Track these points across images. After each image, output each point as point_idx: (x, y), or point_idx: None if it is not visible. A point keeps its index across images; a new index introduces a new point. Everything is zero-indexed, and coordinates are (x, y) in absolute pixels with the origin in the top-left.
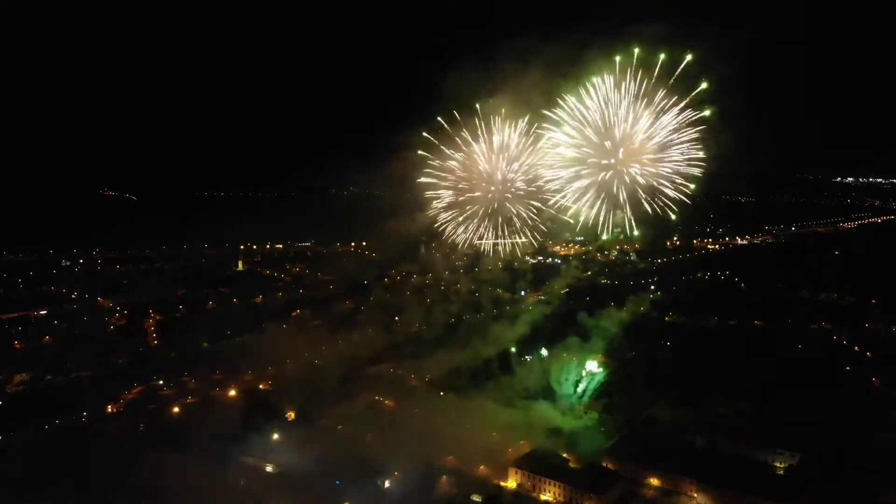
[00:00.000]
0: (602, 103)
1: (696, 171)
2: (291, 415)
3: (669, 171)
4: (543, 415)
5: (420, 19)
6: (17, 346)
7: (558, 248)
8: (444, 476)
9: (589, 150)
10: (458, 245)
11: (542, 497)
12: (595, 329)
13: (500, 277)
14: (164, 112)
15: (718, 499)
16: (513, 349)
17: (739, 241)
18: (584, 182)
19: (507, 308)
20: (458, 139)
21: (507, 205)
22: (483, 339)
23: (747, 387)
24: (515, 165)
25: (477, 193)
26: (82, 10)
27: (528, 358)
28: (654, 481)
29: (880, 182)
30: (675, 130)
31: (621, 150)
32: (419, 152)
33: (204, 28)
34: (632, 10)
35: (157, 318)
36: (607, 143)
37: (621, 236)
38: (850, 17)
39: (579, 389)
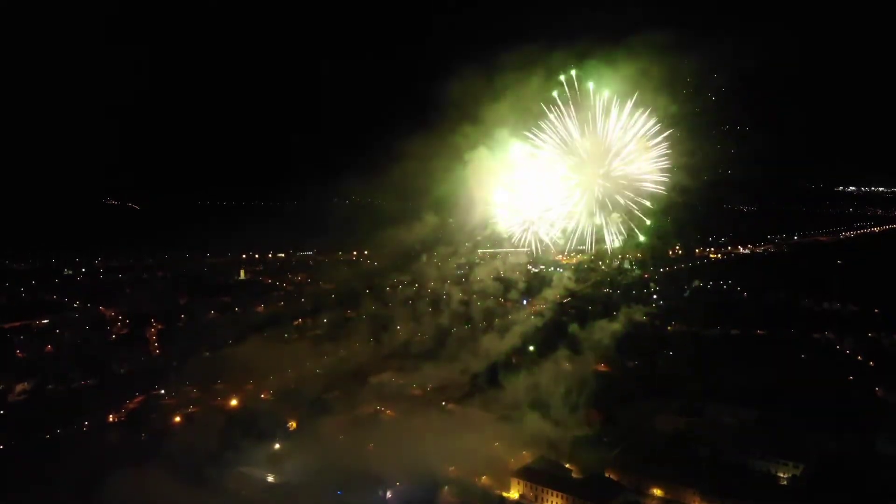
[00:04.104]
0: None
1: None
2: (292, 424)
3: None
4: (545, 425)
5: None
6: (19, 355)
7: (560, 256)
8: (446, 486)
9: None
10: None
11: None
12: (596, 338)
13: (499, 286)
14: (167, 120)
15: None
16: (512, 359)
17: (741, 250)
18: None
19: (508, 317)
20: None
21: None
22: (481, 348)
23: (750, 396)
24: None
25: None
26: (84, 13)
27: (528, 367)
28: (657, 491)
29: (882, 191)
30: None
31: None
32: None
33: (208, 34)
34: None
35: (159, 327)
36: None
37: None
38: (851, 21)
39: (580, 399)
